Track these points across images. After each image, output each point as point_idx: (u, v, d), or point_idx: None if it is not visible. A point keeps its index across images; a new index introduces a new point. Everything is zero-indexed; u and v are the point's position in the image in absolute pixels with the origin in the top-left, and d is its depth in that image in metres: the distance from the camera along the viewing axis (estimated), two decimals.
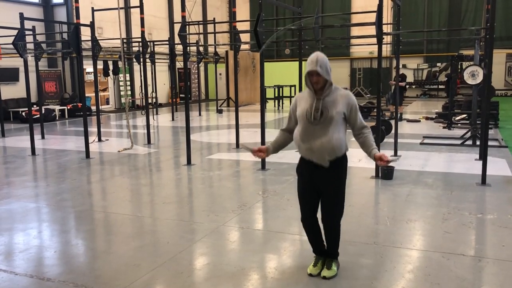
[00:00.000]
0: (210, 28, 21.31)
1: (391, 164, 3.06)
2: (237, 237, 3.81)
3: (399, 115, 11.38)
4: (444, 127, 10.61)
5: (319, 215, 2.98)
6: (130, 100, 18.07)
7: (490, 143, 7.65)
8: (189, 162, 6.80)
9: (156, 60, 15.09)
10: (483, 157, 5.47)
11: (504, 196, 4.88)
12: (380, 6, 5.42)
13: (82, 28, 7.83)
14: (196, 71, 21.91)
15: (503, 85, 21.28)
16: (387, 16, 14.68)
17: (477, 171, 5.75)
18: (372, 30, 5.68)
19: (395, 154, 7.09)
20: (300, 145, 2.86)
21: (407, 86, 22.92)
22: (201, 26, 21.12)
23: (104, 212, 4.60)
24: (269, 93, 18.50)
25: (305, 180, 2.93)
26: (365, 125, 2.88)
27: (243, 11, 24.75)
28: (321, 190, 2.88)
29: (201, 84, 23.42)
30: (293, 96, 18.89)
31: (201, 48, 16.23)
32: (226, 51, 18.57)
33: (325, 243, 3.05)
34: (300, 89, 8.49)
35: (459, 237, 3.69)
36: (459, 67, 15.27)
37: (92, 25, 9.00)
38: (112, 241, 3.78)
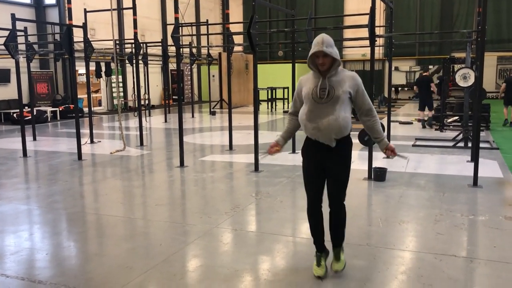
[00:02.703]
0: (203, 29, 21.29)
1: (403, 156, 3.16)
2: (230, 239, 3.80)
3: (427, 120, 11.04)
4: (436, 129, 10.69)
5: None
6: (123, 102, 17.97)
7: (481, 145, 7.74)
8: (182, 164, 6.78)
9: (149, 62, 15.04)
10: (474, 159, 5.52)
11: (495, 197, 4.93)
12: (372, 8, 5.46)
13: (74, 29, 7.78)
14: (189, 72, 21.87)
15: (494, 88, 21.53)
16: (380, 18, 14.76)
17: (469, 172, 5.81)
18: (364, 33, 5.72)
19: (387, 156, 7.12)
20: (306, 124, 2.84)
21: (399, 89, 23.14)
22: (194, 28, 21.10)
23: (96, 214, 4.57)
24: (262, 95, 18.51)
25: (311, 161, 2.91)
26: (372, 108, 2.89)
27: (236, 13, 24.79)
28: (327, 170, 2.87)
29: (194, 86, 23.37)
30: (286, 98, 18.94)
31: (194, 50, 16.20)
32: (219, 53, 18.56)
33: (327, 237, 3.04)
34: (294, 91, 8.51)
35: (451, 238, 3.72)
36: (451, 69, 15.44)
37: (84, 26, 8.95)
38: (104, 243, 3.75)
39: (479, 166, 5.43)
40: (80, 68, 15.56)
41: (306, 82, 2.88)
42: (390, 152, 2.89)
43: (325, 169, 2.88)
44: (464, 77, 7.78)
